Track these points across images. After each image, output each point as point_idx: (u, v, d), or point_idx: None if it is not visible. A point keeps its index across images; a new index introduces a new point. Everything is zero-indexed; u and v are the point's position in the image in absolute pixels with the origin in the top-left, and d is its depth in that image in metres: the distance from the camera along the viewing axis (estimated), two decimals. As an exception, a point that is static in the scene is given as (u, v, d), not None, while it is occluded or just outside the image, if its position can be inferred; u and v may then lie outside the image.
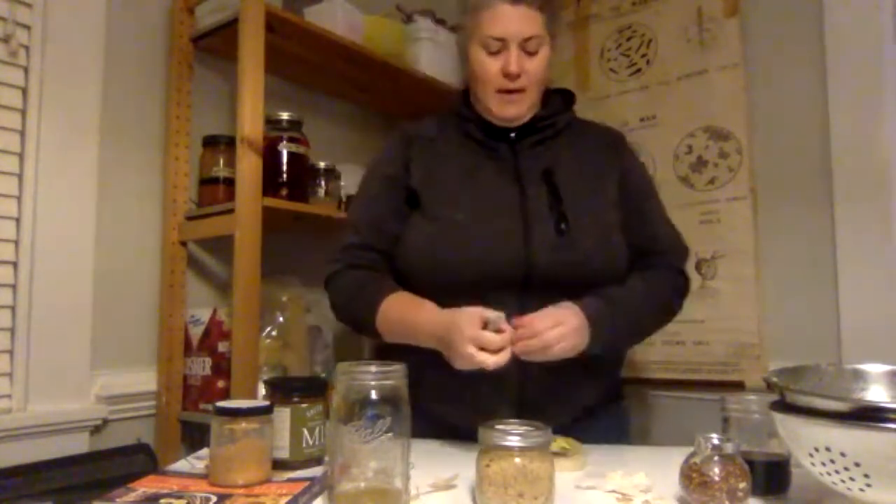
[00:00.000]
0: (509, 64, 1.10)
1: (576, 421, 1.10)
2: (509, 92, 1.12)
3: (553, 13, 1.16)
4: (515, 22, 1.09)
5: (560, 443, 0.96)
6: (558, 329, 0.98)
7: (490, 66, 1.12)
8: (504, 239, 1.08)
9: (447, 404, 1.10)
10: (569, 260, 1.07)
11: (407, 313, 1.07)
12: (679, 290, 1.20)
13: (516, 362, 1.00)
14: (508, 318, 0.98)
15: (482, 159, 1.17)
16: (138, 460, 1.41)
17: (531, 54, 1.12)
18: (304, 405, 0.91)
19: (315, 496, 0.80)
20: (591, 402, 1.14)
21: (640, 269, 1.16)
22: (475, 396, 1.06)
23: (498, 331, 0.95)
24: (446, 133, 1.21)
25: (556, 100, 1.23)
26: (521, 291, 1.06)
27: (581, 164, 1.17)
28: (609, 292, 1.08)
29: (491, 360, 0.94)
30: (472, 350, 0.94)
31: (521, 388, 1.07)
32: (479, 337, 0.94)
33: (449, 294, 1.04)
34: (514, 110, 1.14)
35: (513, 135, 1.17)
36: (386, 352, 1.16)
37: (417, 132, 1.22)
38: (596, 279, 1.08)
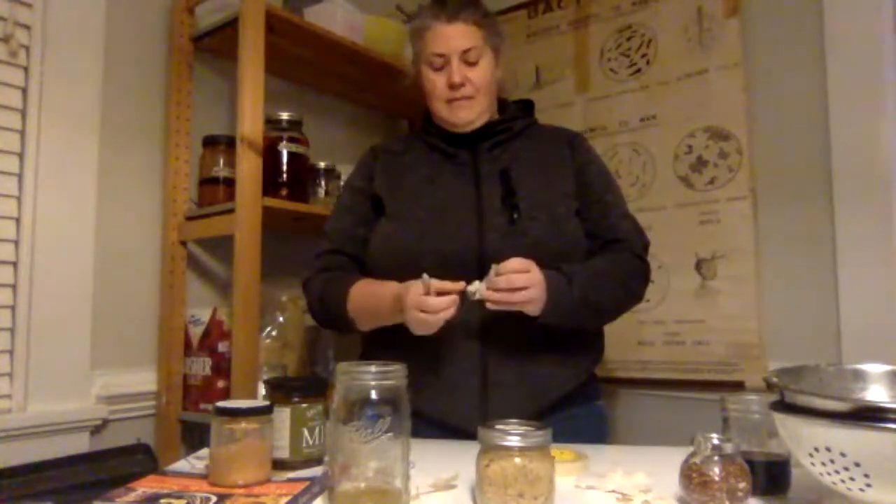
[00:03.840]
0: (452, 75, 1.21)
1: (545, 414, 1.12)
2: (458, 100, 1.22)
3: (491, 28, 1.26)
4: (453, 37, 1.21)
5: (564, 454, 0.95)
6: (527, 276, 1.05)
7: (437, 81, 1.23)
8: (459, 229, 1.17)
9: (415, 390, 1.12)
10: (519, 245, 1.13)
11: (372, 294, 1.17)
12: (638, 273, 1.23)
13: (478, 337, 1.12)
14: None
15: (443, 166, 1.26)
16: (138, 460, 1.42)
17: (472, 64, 1.22)
18: (304, 405, 0.91)
19: (315, 496, 0.80)
20: (559, 392, 1.17)
21: (615, 253, 1.22)
22: (439, 379, 1.14)
23: (442, 292, 1.03)
24: (412, 147, 1.32)
25: (513, 107, 1.33)
26: (477, 278, 1.10)
27: (537, 161, 1.25)
28: (563, 267, 1.13)
29: (433, 319, 1.03)
30: (418, 314, 1.03)
31: (484, 371, 1.13)
32: (422, 302, 1.03)
33: None
34: (463, 115, 1.23)
35: (469, 137, 1.25)
36: (366, 345, 1.28)
37: (384, 148, 1.35)
38: (548, 264, 1.11)
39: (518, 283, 1.04)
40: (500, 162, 1.24)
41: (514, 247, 1.13)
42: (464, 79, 1.21)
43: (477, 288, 1.04)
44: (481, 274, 1.08)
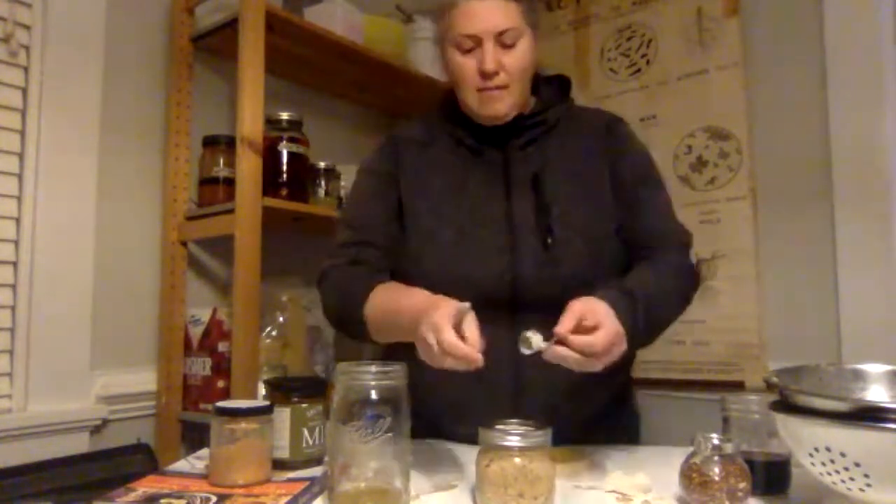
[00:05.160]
0: (484, 61, 1.02)
1: (578, 432, 1.04)
2: (490, 90, 1.05)
3: (530, 2, 1.08)
4: (487, 16, 1.02)
5: (564, 454, 0.95)
6: (609, 341, 0.82)
7: (466, 66, 1.05)
8: (488, 257, 1.04)
9: (441, 411, 1.08)
10: (555, 277, 1.02)
11: (393, 300, 0.99)
12: (688, 276, 1.10)
13: (511, 376, 1.00)
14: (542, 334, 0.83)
15: (472, 166, 1.12)
16: (138, 460, 1.41)
17: (508, 47, 1.04)
18: (304, 405, 0.91)
19: (315, 496, 0.80)
20: (595, 408, 1.09)
21: (645, 262, 1.07)
22: (468, 405, 1.03)
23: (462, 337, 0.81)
24: (436, 138, 1.16)
25: (550, 90, 1.17)
26: (509, 309, 1.01)
27: (573, 160, 1.11)
28: (627, 285, 0.96)
29: (439, 358, 0.81)
30: (429, 336, 0.81)
31: (517, 401, 1.02)
32: (441, 330, 0.80)
33: None
34: (497, 107, 1.06)
35: (499, 131, 1.10)
36: (387, 354, 1.14)
37: (406, 136, 1.18)
38: (587, 294, 0.94)
39: (602, 355, 0.82)
40: (532, 164, 1.09)
41: (549, 280, 1.02)
42: (498, 65, 1.03)
43: (535, 345, 0.83)
44: (513, 306, 0.96)
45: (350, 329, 1.07)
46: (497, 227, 1.06)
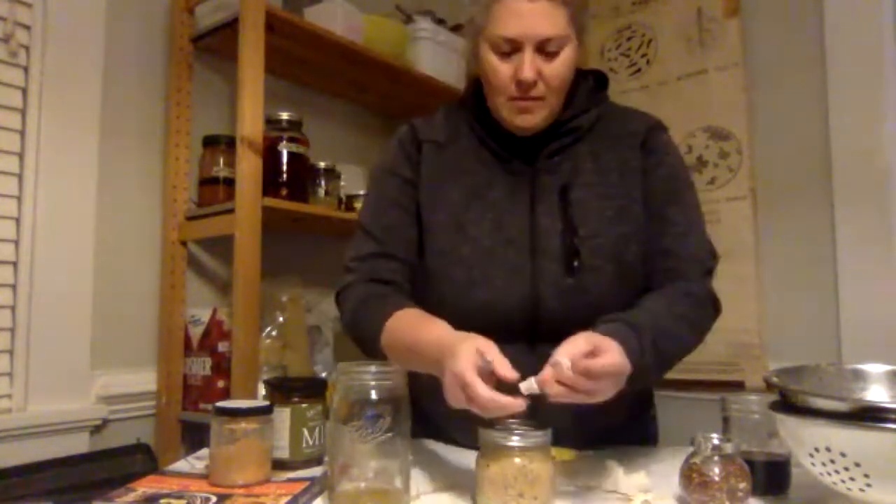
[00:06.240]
0: (522, 70, 0.93)
1: (592, 445, 1.02)
2: (524, 100, 0.97)
3: (579, 4, 0.98)
4: (532, 20, 0.92)
5: (564, 454, 0.94)
6: (606, 374, 0.76)
7: (501, 71, 0.96)
8: (509, 282, 0.97)
9: (453, 424, 1.05)
10: (580, 306, 0.95)
11: (412, 330, 0.92)
12: (706, 307, 1.01)
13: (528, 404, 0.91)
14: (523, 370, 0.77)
15: (495, 171, 1.04)
16: (138, 460, 1.42)
17: (551, 55, 0.95)
18: (304, 405, 0.91)
19: (315, 496, 0.81)
20: (609, 427, 1.04)
21: (662, 290, 0.99)
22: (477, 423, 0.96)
23: (497, 380, 0.76)
24: (458, 136, 1.08)
25: (584, 92, 1.07)
26: (529, 337, 0.97)
27: (605, 179, 1.02)
28: (636, 318, 0.89)
29: (478, 411, 0.75)
30: (458, 394, 0.76)
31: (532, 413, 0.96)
32: (470, 385, 0.74)
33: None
34: (530, 120, 0.99)
35: (528, 140, 1.03)
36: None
37: (427, 135, 1.09)
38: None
39: (595, 388, 0.76)
40: (560, 174, 1.01)
41: (573, 310, 0.95)
42: (537, 75, 0.94)
43: (531, 386, 0.76)
44: (533, 333, 0.92)
45: (371, 355, 0.99)
46: (519, 246, 0.99)
